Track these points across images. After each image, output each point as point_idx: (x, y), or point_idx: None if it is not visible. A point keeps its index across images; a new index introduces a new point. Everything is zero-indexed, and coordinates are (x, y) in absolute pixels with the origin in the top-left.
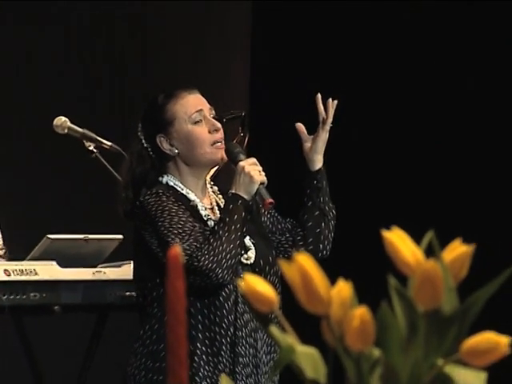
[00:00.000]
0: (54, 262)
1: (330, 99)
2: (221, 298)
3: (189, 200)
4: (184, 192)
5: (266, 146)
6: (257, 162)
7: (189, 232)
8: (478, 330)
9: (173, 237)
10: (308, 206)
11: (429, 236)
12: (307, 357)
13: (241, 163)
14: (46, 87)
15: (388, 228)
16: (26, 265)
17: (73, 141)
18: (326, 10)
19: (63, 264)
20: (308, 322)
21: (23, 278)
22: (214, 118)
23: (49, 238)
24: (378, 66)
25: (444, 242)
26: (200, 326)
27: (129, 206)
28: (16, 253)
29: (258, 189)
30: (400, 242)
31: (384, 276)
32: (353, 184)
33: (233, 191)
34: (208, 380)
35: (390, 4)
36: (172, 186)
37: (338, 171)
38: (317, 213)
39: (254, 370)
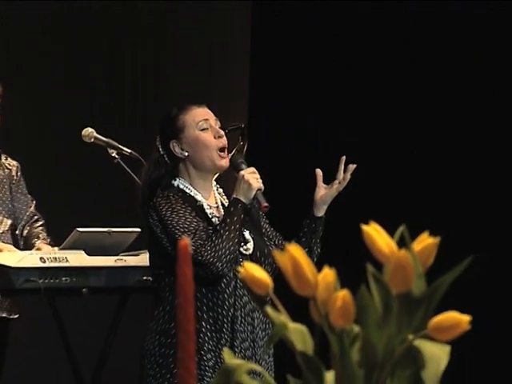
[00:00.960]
0: (82, 251)
1: (351, 165)
2: (222, 285)
3: (196, 200)
4: (192, 193)
5: (264, 145)
6: (255, 171)
7: (193, 231)
8: (443, 309)
9: (179, 234)
10: (301, 241)
11: (401, 230)
12: (297, 332)
13: (241, 172)
14: (84, 103)
15: (366, 223)
16: (58, 253)
17: (98, 148)
18: (325, 10)
19: (90, 253)
20: (298, 303)
21: (56, 264)
22: (218, 127)
23: (78, 231)
24: (371, 66)
25: (414, 234)
26: (205, 307)
27: (145, 205)
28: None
29: (255, 194)
30: (376, 234)
31: (363, 264)
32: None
33: (234, 196)
34: (212, 353)
35: (389, 5)
36: (182, 189)
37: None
38: (306, 249)
39: (252, 344)
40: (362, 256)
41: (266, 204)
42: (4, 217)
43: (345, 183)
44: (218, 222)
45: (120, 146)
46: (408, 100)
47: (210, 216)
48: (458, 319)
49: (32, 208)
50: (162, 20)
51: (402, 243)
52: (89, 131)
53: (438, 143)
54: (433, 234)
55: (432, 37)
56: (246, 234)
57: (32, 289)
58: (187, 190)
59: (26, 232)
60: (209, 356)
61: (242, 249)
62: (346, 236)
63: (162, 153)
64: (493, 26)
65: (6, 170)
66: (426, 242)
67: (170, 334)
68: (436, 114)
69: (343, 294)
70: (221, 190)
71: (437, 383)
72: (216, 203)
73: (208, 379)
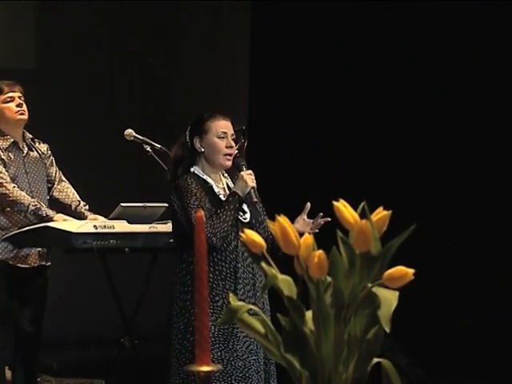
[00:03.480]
0: (125, 221)
1: (323, 220)
2: (224, 244)
3: (207, 183)
4: (204, 178)
5: (264, 144)
6: (252, 173)
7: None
8: (394, 264)
9: (190, 210)
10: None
11: (362, 205)
12: (285, 281)
13: (242, 172)
14: (124, 109)
15: (336, 200)
16: (107, 222)
17: (136, 144)
18: (325, 11)
19: (130, 222)
20: (285, 260)
21: (106, 230)
22: (233, 139)
23: (121, 206)
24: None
25: (372, 208)
26: (211, 263)
27: (169, 175)
28: (100, 215)
29: (249, 191)
30: (344, 208)
31: (334, 230)
32: (317, 172)
33: (233, 189)
34: (219, 296)
35: (389, 5)
36: (197, 174)
37: (311, 162)
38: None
39: (252, 287)
40: (333, 224)
41: (255, 200)
42: (46, 190)
43: (315, 231)
44: (223, 199)
45: (152, 143)
46: (408, 99)
47: (218, 194)
48: (405, 272)
49: (57, 174)
50: (162, 20)
51: (363, 215)
52: (129, 131)
53: (436, 143)
54: (386, 208)
55: (432, 37)
56: (245, 207)
57: (88, 248)
58: (201, 175)
59: (55, 193)
60: (217, 298)
61: (241, 218)
62: (321, 210)
63: (187, 140)
64: (493, 26)
65: (40, 151)
66: (381, 214)
67: (187, 284)
68: (436, 114)
69: (319, 253)
70: (226, 175)
71: (389, 320)
72: (223, 185)
73: (216, 316)
